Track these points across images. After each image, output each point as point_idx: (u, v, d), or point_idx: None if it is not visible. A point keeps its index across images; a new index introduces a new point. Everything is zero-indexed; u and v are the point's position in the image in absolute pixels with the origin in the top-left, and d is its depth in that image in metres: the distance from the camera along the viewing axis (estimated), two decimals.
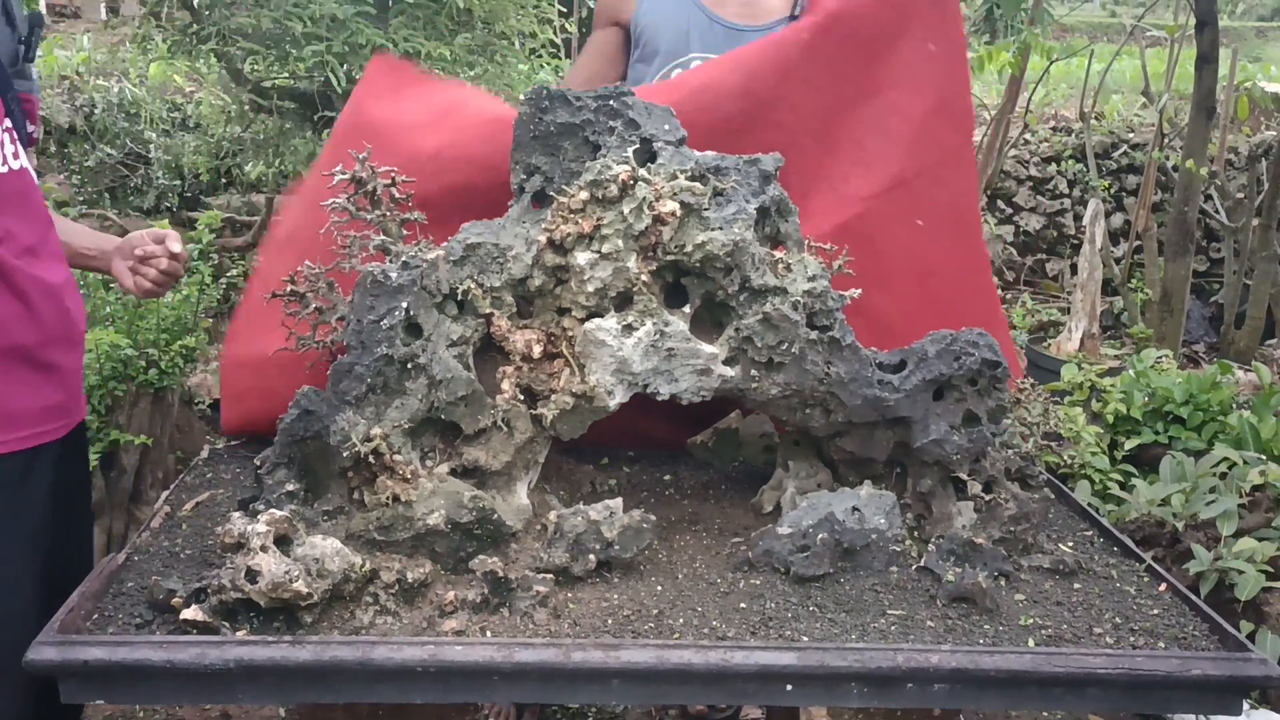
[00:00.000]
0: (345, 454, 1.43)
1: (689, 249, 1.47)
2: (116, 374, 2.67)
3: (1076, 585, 1.54)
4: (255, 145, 3.82)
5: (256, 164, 4.34)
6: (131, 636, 1.28)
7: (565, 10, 5.53)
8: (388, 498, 1.45)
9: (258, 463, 1.60)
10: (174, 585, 1.36)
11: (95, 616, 1.35)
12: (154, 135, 5.41)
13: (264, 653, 1.26)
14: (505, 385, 1.48)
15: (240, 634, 1.30)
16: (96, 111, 5.48)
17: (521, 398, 1.49)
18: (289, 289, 1.62)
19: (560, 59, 4.88)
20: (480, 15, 3.23)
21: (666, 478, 1.93)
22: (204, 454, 1.99)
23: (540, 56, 4.24)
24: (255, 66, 3.51)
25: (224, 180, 5.39)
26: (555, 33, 3.97)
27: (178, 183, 5.18)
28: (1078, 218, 6.86)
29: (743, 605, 1.43)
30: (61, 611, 1.31)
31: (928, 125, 2.00)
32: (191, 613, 1.31)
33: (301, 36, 3.04)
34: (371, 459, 1.44)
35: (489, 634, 1.34)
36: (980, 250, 2.15)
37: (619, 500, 1.54)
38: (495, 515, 1.46)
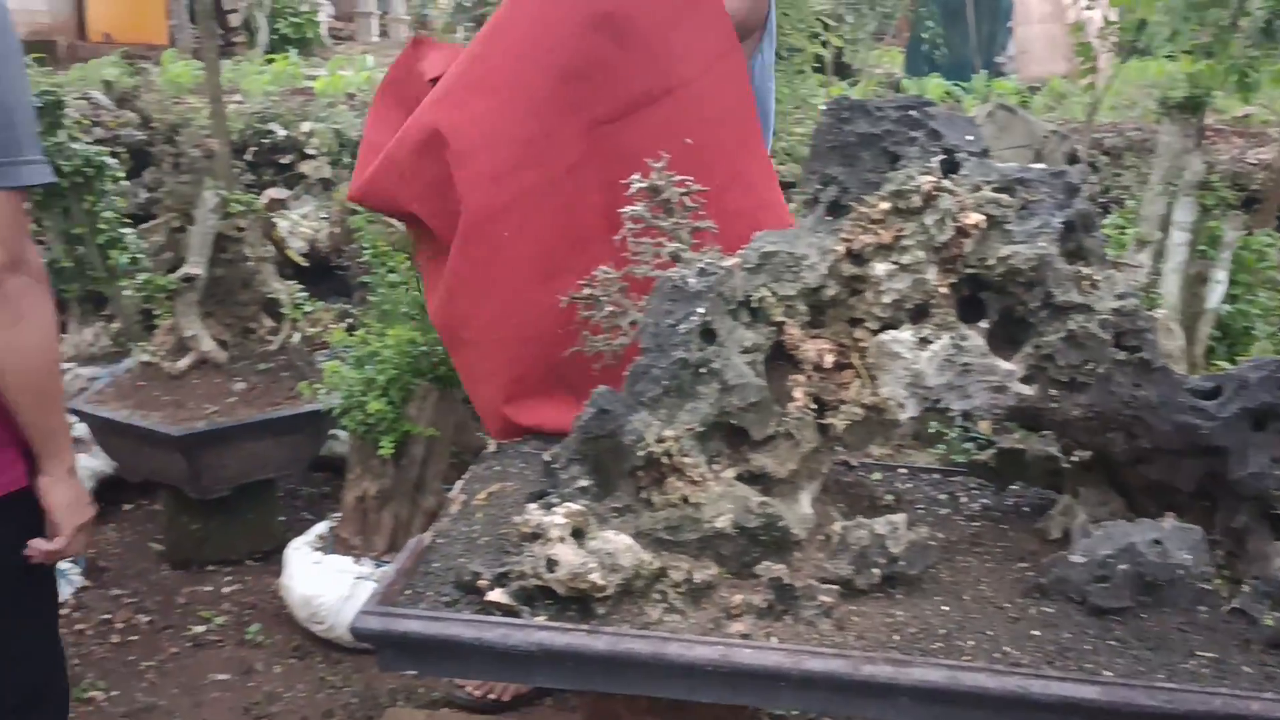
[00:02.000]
0: (638, 454, 1.48)
1: (991, 262, 1.44)
2: (411, 368, 2.86)
3: None
4: None
5: None
6: (444, 613, 1.37)
7: (828, 25, 5.49)
8: (677, 499, 1.48)
9: (548, 458, 1.67)
10: (478, 569, 1.45)
11: (408, 592, 1.45)
12: None
13: (563, 639, 1.31)
14: (797, 394, 1.49)
15: (540, 619, 1.37)
16: None
17: (814, 406, 1.49)
18: (585, 291, 1.69)
19: (823, 74, 4.87)
20: None
21: (942, 496, 1.89)
22: (491, 447, 2.10)
23: (803, 73, 4.24)
24: None
25: None
26: (824, 48, 3.96)
27: None
28: None
29: (1035, 632, 1.38)
30: (382, 584, 1.42)
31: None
32: (496, 595, 1.39)
33: None
34: (663, 460, 1.48)
35: (775, 640, 1.35)
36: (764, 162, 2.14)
37: (903, 515, 1.52)
38: (782, 522, 1.48)
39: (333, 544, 3.07)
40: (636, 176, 1.68)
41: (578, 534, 1.44)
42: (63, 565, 2.88)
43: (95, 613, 3.05)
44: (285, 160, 5.27)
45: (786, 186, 3.58)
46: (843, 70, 8.13)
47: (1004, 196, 1.44)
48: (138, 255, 3.75)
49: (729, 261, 1.52)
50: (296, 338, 3.40)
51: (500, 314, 2.12)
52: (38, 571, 1.68)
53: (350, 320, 3.67)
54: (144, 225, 3.32)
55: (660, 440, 1.48)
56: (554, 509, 1.47)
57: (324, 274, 4.79)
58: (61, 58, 8.56)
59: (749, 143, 2.13)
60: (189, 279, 3.19)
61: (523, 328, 2.10)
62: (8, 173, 1.48)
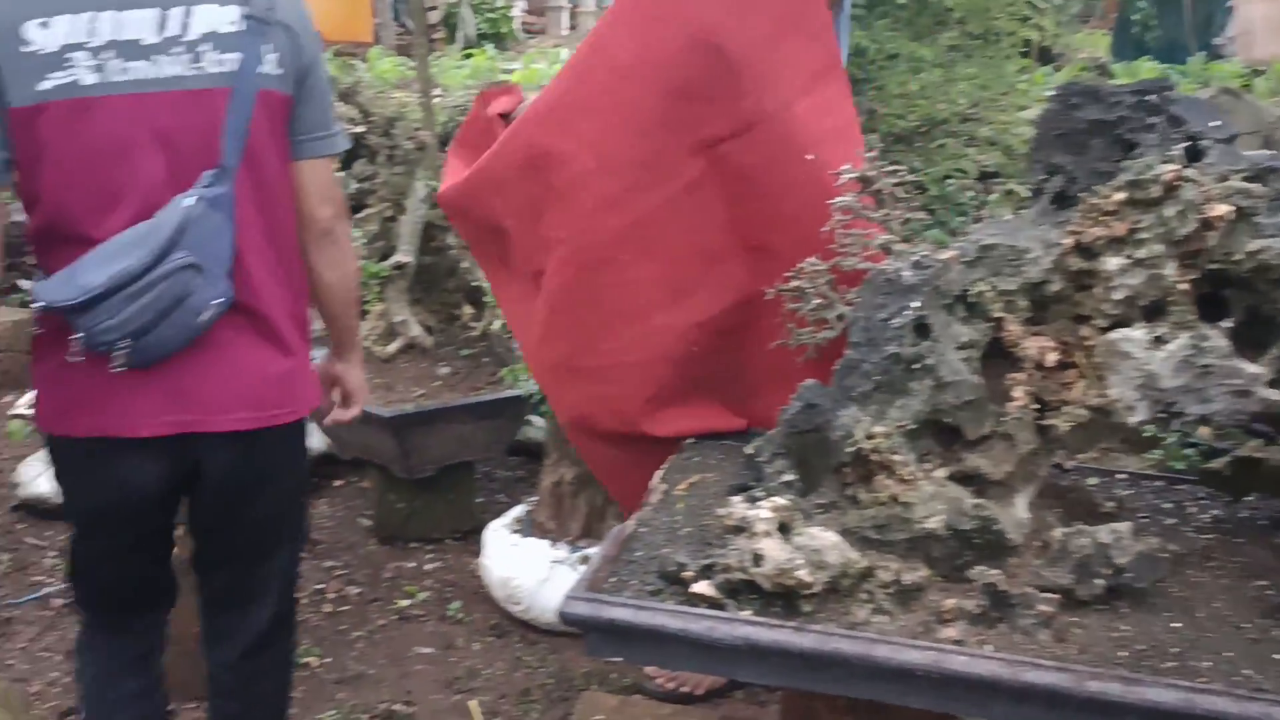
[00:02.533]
0: (846, 450, 1.45)
1: (1238, 258, 1.34)
2: None
3: None
4: None
5: None
6: (650, 603, 1.38)
7: (1037, 6, 5.23)
8: (886, 497, 1.45)
9: (750, 451, 1.66)
10: (683, 559, 1.45)
11: (613, 579, 1.46)
12: None
13: (769, 635, 1.30)
14: (1017, 393, 1.43)
15: (745, 613, 1.36)
16: None
17: (1036, 406, 1.43)
18: (792, 284, 1.67)
19: (1029, 59, 4.65)
20: (959, 14, 3.15)
21: (1167, 505, 1.78)
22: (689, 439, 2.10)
23: (1009, 58, 4.05)
24: None
25: None
26: (1038, 32, 3.77)
27: None
28: None
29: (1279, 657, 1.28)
30: (589, 571, 1.44)
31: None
32: (701, 588, 1.39)
33: None
34: (872, 457, 1.44)
35: (989, 648, 1.30)
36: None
37: (1127, 524, 1.43)
38: (997, 526, 1.42)
39: (529, 527, 3.14)
40: (847, 166, 1.65)
41: (783, 529, 1.42)
42: None
43: (310, 582, 3.22)
44: None
45: (988, 176, 3.46)
46: (1045, 55, 7.77)
47: (1255, 186, 1.34)
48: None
49: (945, 254, 1.47)
50: (497, 324, 3.50)
51: (629, 340, 2.09)
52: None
53: None
54: (358, 215, 3.47)
55: (870, 436, 1.44)
56: (759, 503, 1.46)
57: None
58: None
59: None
60: (400, 266, 3.33)
61: (655, 350, 2.08)
62: (333, 142, 1.82)
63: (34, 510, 3.55)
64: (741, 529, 1.43)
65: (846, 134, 1.99)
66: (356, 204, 3.29)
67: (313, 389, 1.88)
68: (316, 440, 3.87)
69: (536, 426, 3.68)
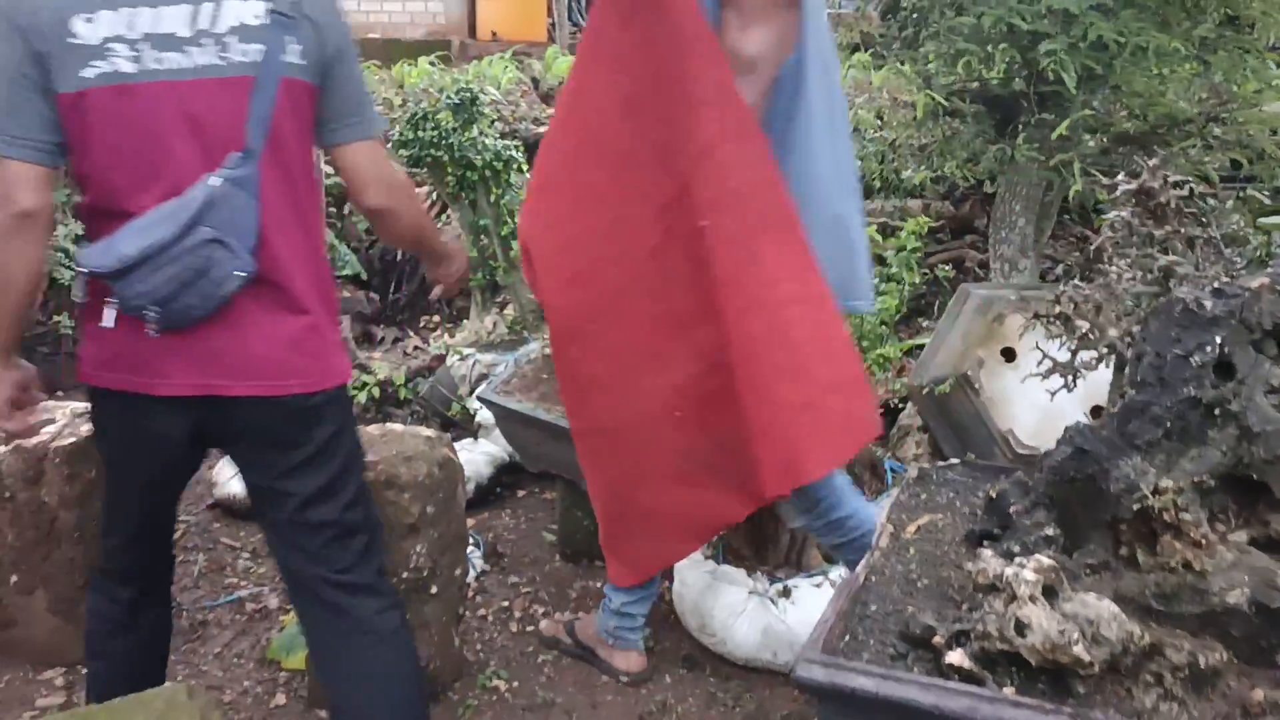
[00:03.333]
0: (1128, 505, 1.25)
1: None
2: None
3: None
4: (940, 149, 3.77)
5: (919, 169, 4.33)
6: (897, 672, 1.21)
7: None
8: (1175, 562, 1.24)
9: (994, 494, 1.48)
10: (930, 622, 1.28)
11: (848, 639, 1.31)
12: None
13: None
14: None
15: (1008, 691, 1.18)
16: None
17: None
18: (1057, 310, 1.47)
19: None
20: (1211, 5, 2.85)
21: None
22: (913, 473, 1.92)
23: (1259, 55, 3.68)
24: (948, 68, 3.44)
25: (882, 186, 5.45)
26: None
27: None
28: None
29: None
30: (821, 628, 1.29)
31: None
32: (955, 658, 1.22)
33: (1027, 33, 2.90)
34: (1160, 514, 1.24)
35: None
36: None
37: None
38: None
39: (723, 552, 3.01)
40: (1121, 177, 1.44)
41: (1049, 592, 1.24)
42: (468, 549, 3.00)
43: (496, 598, 3.16)
44: None
45: (1238, 180, 3.13)
46: None
47: None
48: None
49: (1254, 281, 1.26)
50: None
51: (608, 407, 2.23)
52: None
53: None
54: None
55: (1158, 491, 1.24)
56: (1017, 559, 1.28)
57: None
58: (455, 56, 9.23)
59: (772, 215, 2.08)
60: None
61: (642, 413, 2.19)
62: (364, 126, 1.90)
63: (229, 510, 3.62)
64: (997, 589, 1.25)
65: (753, 194, 2.03)
66: None
67: (340, 360, 1.94)
68: (499, 448, 3.85)
69: None
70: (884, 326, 2.91)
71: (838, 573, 2.90)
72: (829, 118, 2.15)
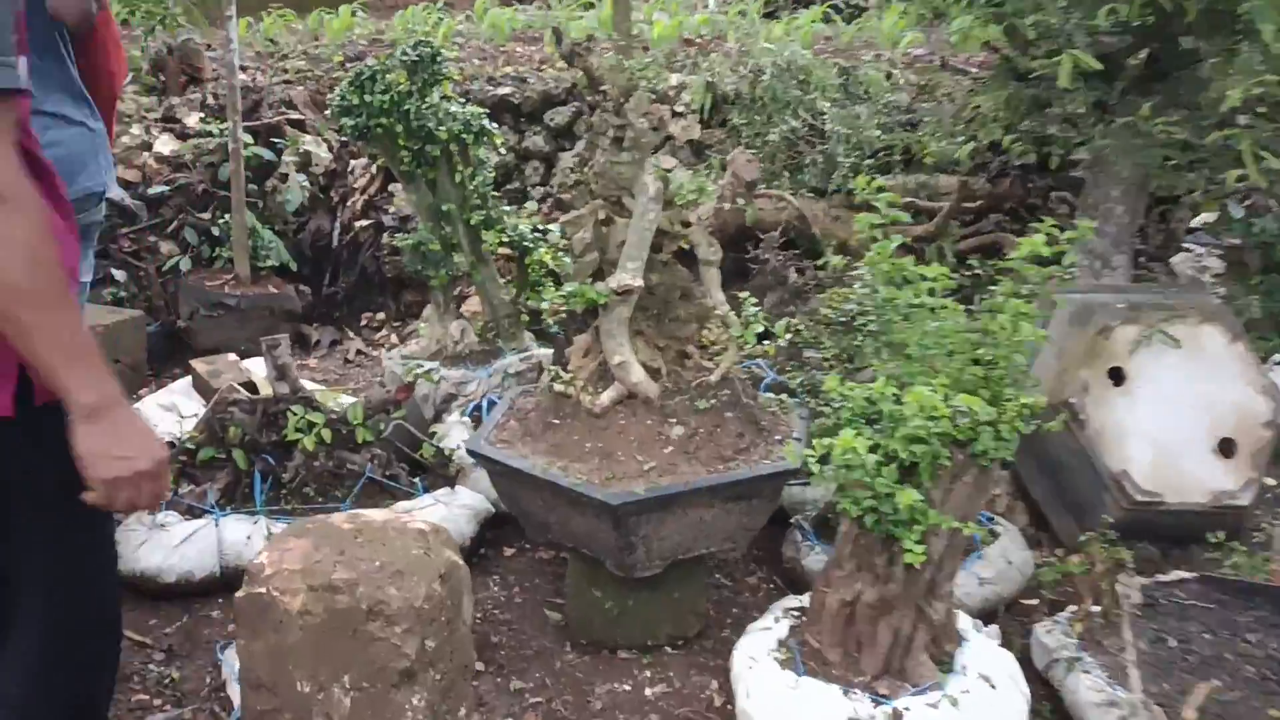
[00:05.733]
0: None
1: None
2: (945, 437, 2.01)
3: None
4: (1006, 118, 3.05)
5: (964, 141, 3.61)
6: None
7: None
8: None
9: None
10: None
11: None
12: (827, 105, 4.88)
13: None
14: None
15: None
16: (765, 78, 5.07)
17: None
18: None
19: None
20: None
21: None
22: (1135, 596, 1.20)
23: None
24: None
25: (902, 159, 4.75)
26: None
27: (854, 158, 4.59)
28: None
29: None
30: None
31: None
32: None
33: None
34: None
35: None
36: None
37: None
38: None
39: (800, 655, 2.28)
40: None
41: None
42: None
43: (496, 714, 2.40)
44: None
45: None
46: None
47: None
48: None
49: None
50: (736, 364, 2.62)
51: None
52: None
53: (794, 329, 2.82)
54: (565, 217, 2.62)
55: None
56: None
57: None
58: (371, 4, 8.39)
59: None
60: (624, 292, 2.44)
61: None
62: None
63: (138, 590, 2.80)
64: None
65: None
66: (566, 205, 2.40)
67: None
68: (482, 498, 3.05)
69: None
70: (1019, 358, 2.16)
71: (958, 685, 2.21)
72: None
